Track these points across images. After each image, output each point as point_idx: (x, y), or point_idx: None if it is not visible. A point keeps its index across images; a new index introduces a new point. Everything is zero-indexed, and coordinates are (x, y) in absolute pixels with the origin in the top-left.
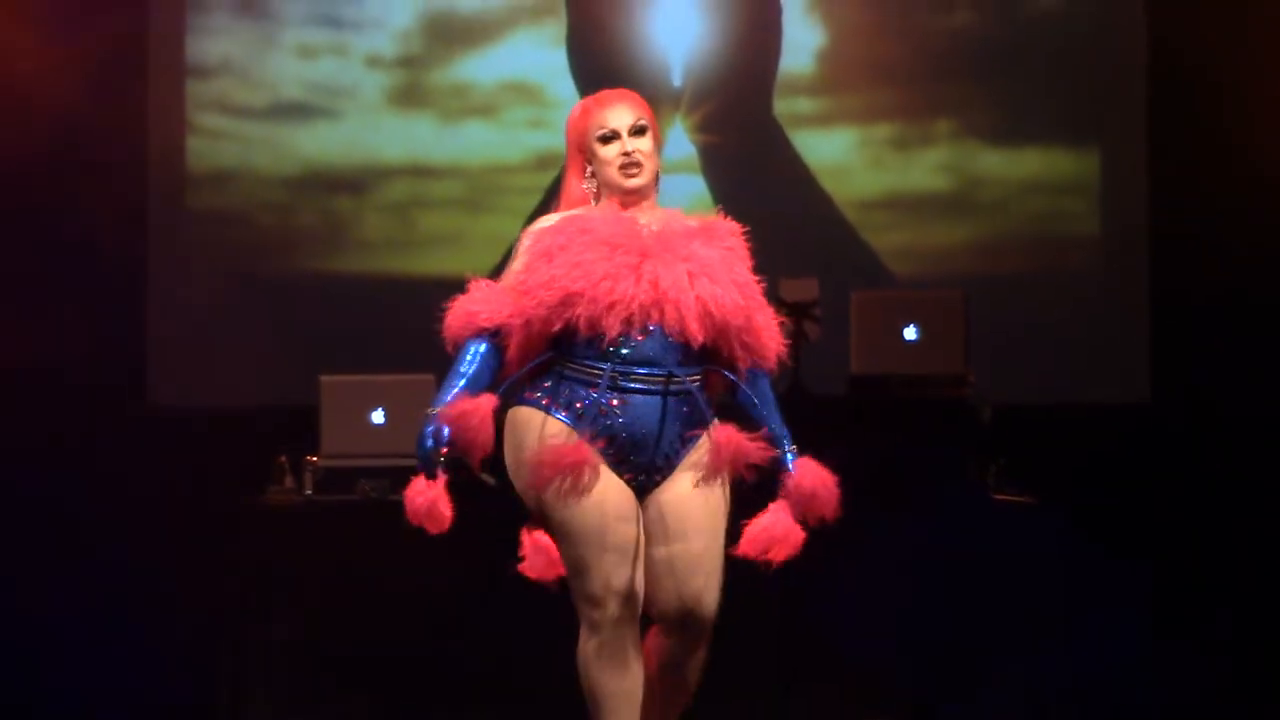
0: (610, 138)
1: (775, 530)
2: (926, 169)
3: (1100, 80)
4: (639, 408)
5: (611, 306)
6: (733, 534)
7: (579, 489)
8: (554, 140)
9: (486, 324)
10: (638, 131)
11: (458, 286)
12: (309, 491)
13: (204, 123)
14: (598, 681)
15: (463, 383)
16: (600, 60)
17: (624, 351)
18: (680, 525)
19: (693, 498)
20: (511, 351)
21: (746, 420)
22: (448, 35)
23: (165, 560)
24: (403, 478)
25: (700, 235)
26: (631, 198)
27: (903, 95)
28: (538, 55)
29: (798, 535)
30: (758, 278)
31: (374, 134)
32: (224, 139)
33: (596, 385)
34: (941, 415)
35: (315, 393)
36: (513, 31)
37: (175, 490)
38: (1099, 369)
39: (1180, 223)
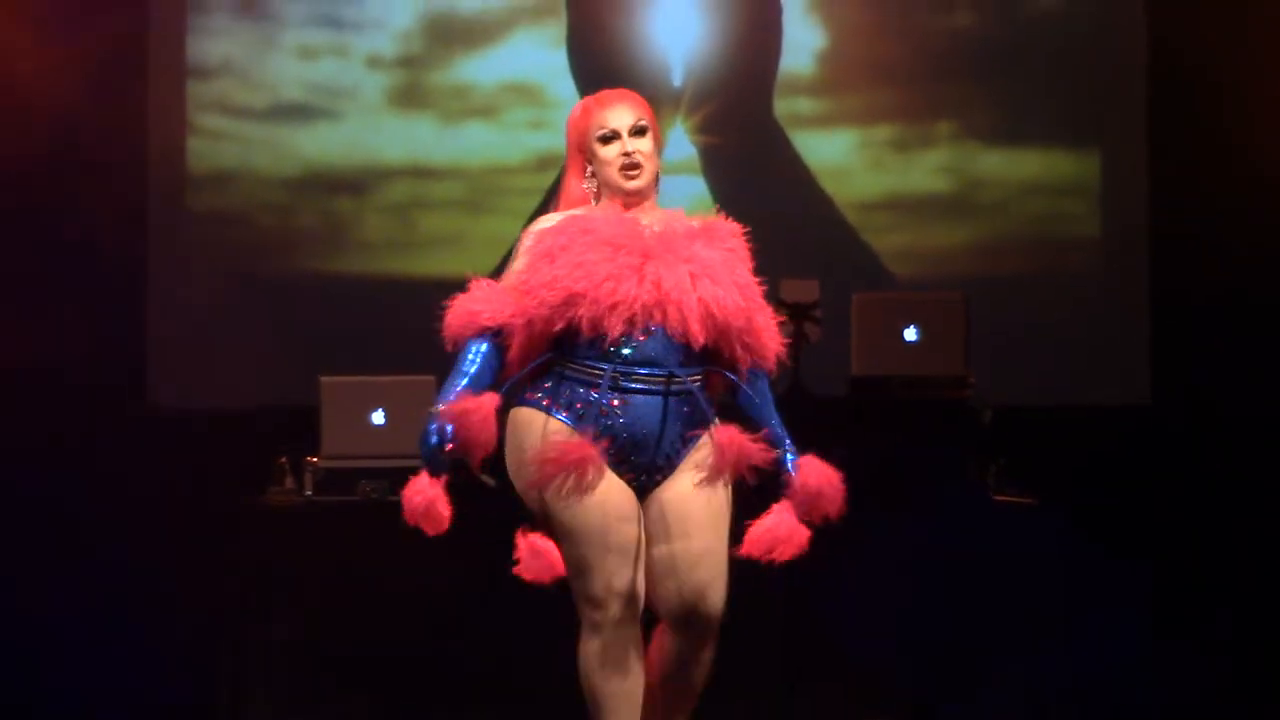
0: (610, 138)
1: (779, 530)
2: (927, 170)
3: (1100, 81)
4: (640, 408)
5: (614, 307)
6: (736, 535)
7: (583, 486)
8: (554, 141)
9: (489, 323)
10: (638, 132)
11: (458, 287)
12: (309, 492)
13: (204, 123)
14: (598, 683)
15: (465, 381)
16: (600, 61)
17: (625, 352)
18: (682, 523)
19: (695, 496)
20: (513, 351)
21: (746, 420)
22: (448, 36)
23: (165, 560)
24: (403, 479)
25: (702, 236)
26: (632, 199)
27: (903, 96)
28: (538, 56)
29: (802, 535)
30: (758, 279)
31: (374, 135)
32: (224, 140)
33: (597, 386)
34: (942, 416)
35: (315, 393)
36: (513, 32)
37: (175, 491)
38: (1099, 370)
39: (1180, 223)
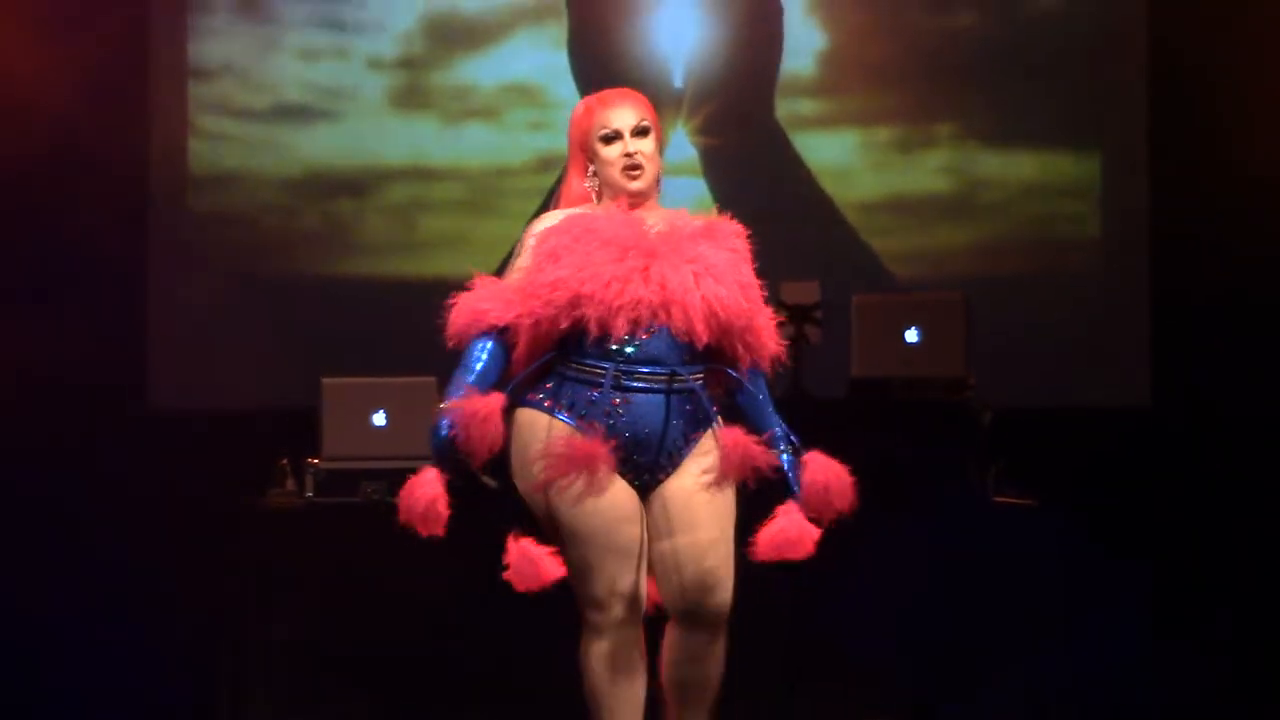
0: (613, 138)
1: (790, 532)
2: (927, 171)
3: (1100, 82)
4: (642, 406)
5: (621, 308)
6: (742, 539)
7: (593, 486)
8: (556, 142)
9: (497, 322)
10: (640, 132)
11: (459, 288)
12: (310, 494)
13: (205, 124)
14: (600, 685)
15: (473, 379)
16: (601, 62)
17: (628, 351)
18: (687, 516)
19: (698, 492)
20: (518, 350)
21: (746, 420)
22: (449, 38)
23: (165, 560)
24: (404, 481)
25: (705, 236)
26: (635, 199)
27: (904, 97)
28: (539, 57)
29: (812, 534)
30: (760, 280)
31: (375, 136)
32: (225, 141)
33: (599, 385)
34: (942, 417)
35: (316, 394)
36: (514, 34)
37: (176, 491)
38: (1100, 371)
39: (1180, 223)
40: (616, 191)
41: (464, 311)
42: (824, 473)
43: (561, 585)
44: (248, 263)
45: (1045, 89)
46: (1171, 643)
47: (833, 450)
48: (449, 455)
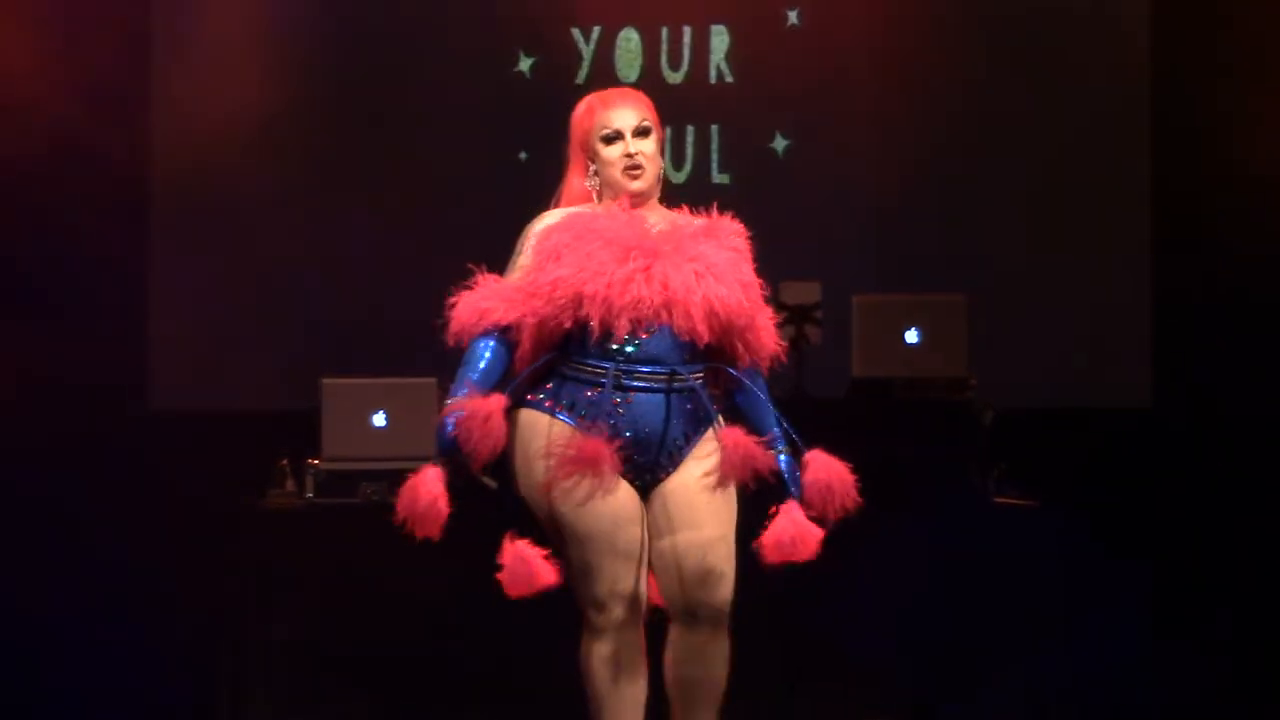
0: (614, 138)
1: (791, 531)
2: (927, 171)
3: (1101, 81)
4: (642, 405)
5: (623, 308)
6: (741, 538)
7: (599, 486)
8: None
9: (501, 321)
10: (641, 133)
11: (463, 288)
12: (310, 494)
13: (206, 125)
14: (600, 686)
15: (478, 378)
16: None
17: (628, 350)
18: (686, 515)
19: (699, 489)
20: (522, 349)
21: (746, 420)
22: None
23: (165, 560)
24: (404, 481)
25: (706, 235)
26: (635, 199)
27: (904, 98)
28: None
29: (815, 534)
30: (760, 280)
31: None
32: (226, 140)
33: (600, 385)
34: (943, 418)
35: (317, 395)
36: None
37: (176, 491)
38: (1101, 372)
39: (1180, 224)
40: (617, 191)
41: (467, 310)
42: (826, 471)
43: (558, 588)
44: (248, 263)
45: (1046, 89)
46: (1171, 643)
47: (834, 450)
48: (452, 456)
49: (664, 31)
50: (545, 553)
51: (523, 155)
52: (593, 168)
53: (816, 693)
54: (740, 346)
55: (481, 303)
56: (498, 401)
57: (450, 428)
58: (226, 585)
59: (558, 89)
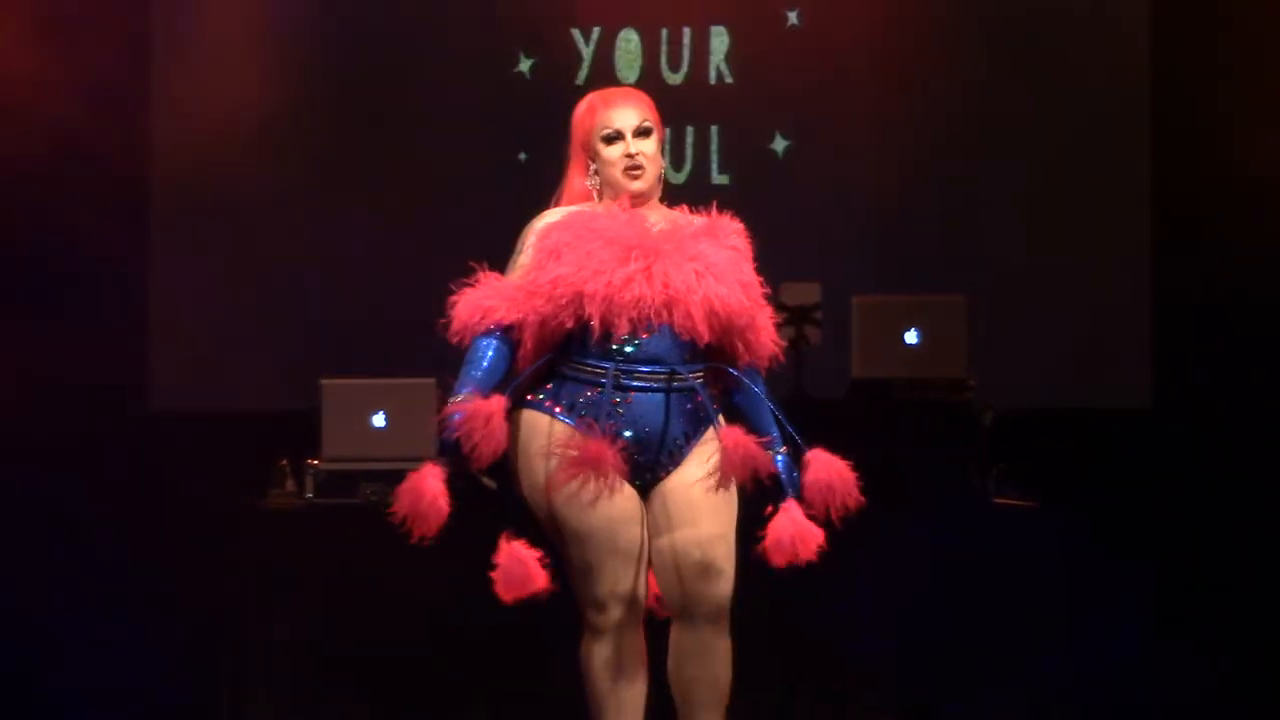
0: (614, 138)
1: (791, 530)
2: (927, 172)
3: (1100, 82)
4: (642, 405)
5: (623, 307)
6: (742, 539)
7: (603, 487)
8: None
9: (504, 320)
10: (642, 133)
11: (465, 286)
12: (310, 495)
13: (206, 124)
14: (600, 686)
15: (482, 375)
16: None
17: (628, 350)
18: (686, 513)
19: (699, 487)
20: (525, 348)
21: (745, 419)
22: None
23: (165, 560)
24: (403, 480)
25: (707, 234)
26: (636, 199)
27: (904, 99)
28: None
29: (815, 533)
30: (760, 279)
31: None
32: (226, 140)
33: (600, 385)
34: (943, 419)
35: (316, 395)
36: None
37: (176, 492)
38: (1100, 372)
39: (1180, 224)
40: (618, 191)
41: (469, 308)
42: (827, 471)
43: (550, 592)
44: (248, 263)
45: (1045, 90)
46: (1172, 643)
47: (833, 452)
48: (453, 456)
49: (664, 32)
50: (540, 554)
51: (522, 156)
52: (593, 167)
53: (816, 693)
54: (740, 346)
55: (484, 301)
56: (498, 402)
57: (451, 429)
58: (226, 585)
59: (557, 90)
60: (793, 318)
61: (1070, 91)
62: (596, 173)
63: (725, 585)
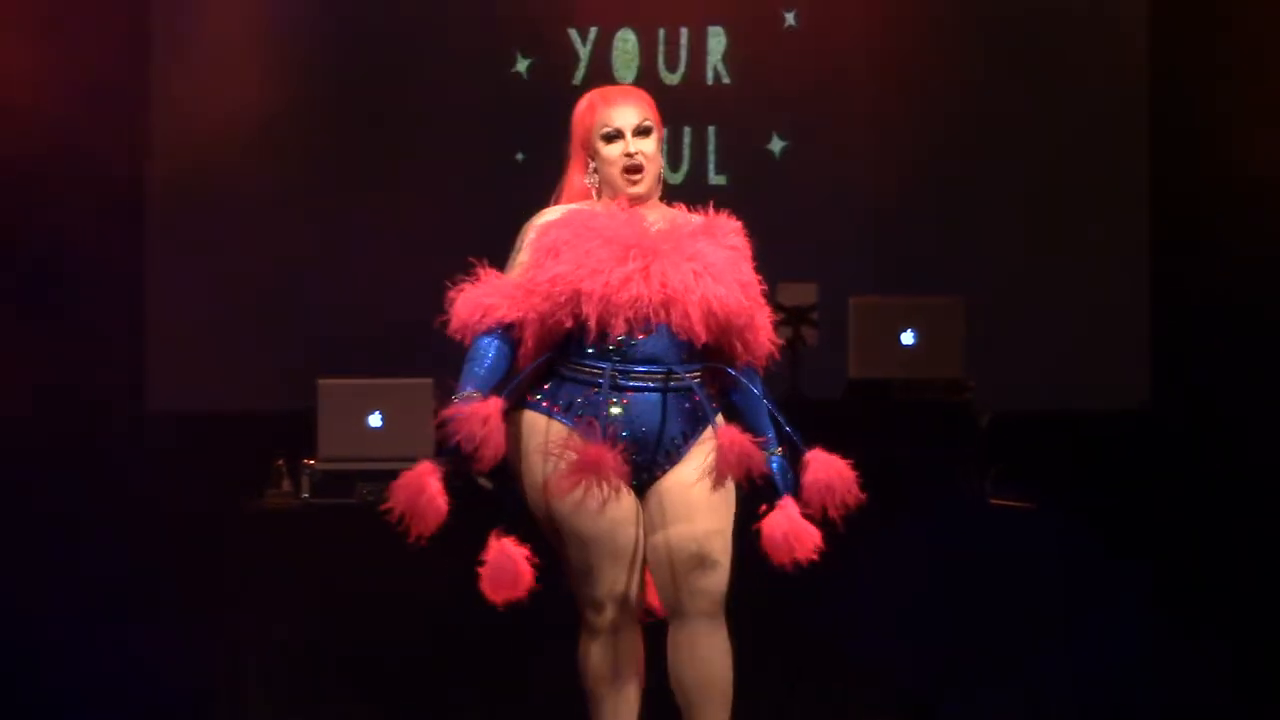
0: (614, 136)
1: (785, 528)
2: (926, 172)
3: (1099, 83)
4: (639, 405)
5: (621, 306)
6: (740, 536)
7: (607, 493)
8: None
9: (505, 318)
10: (642, 132)
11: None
12: (306, 494)
13: (204, 125)
14: (598, 686)
15: (484, 372)
16: None
17: (626, 350)
18: (682, 510)
19: (695, 485)
20: (526, 347)
21: (743, 418)
22: None
23: (165, 561)
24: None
25: (705, 233)
26: (635, 200)
27: (902, 99)
28: None
29: (812, 532)
30: (759, 278)
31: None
32: (225, 140)
33: (597, 385)
34: (941, 420)
35: (313, 396)
36: None
37: (174, 492)
38: (1099, 373)
39: (1180, 224)
40: (616, 191)
41: (470, 305)
42: (826, 471)
43: (537, 593)
44: (246, 263)
45: (1045, 91)
46: (1171, 643)
47: (831, 453)
48: (452, 457)
49: (661, 32)
50: (529, 552)
51: (520, 156)
52: (592, 165)
53: (816, 693)
54: (739, 346)
55: (484, 299)
56: (495, 404)
57: (451, 430)
58: (223, 585)
59: (555, 90)
60: (790, 318)
61: (1068, 92)
62: (595, 171)
63: (720, 579)
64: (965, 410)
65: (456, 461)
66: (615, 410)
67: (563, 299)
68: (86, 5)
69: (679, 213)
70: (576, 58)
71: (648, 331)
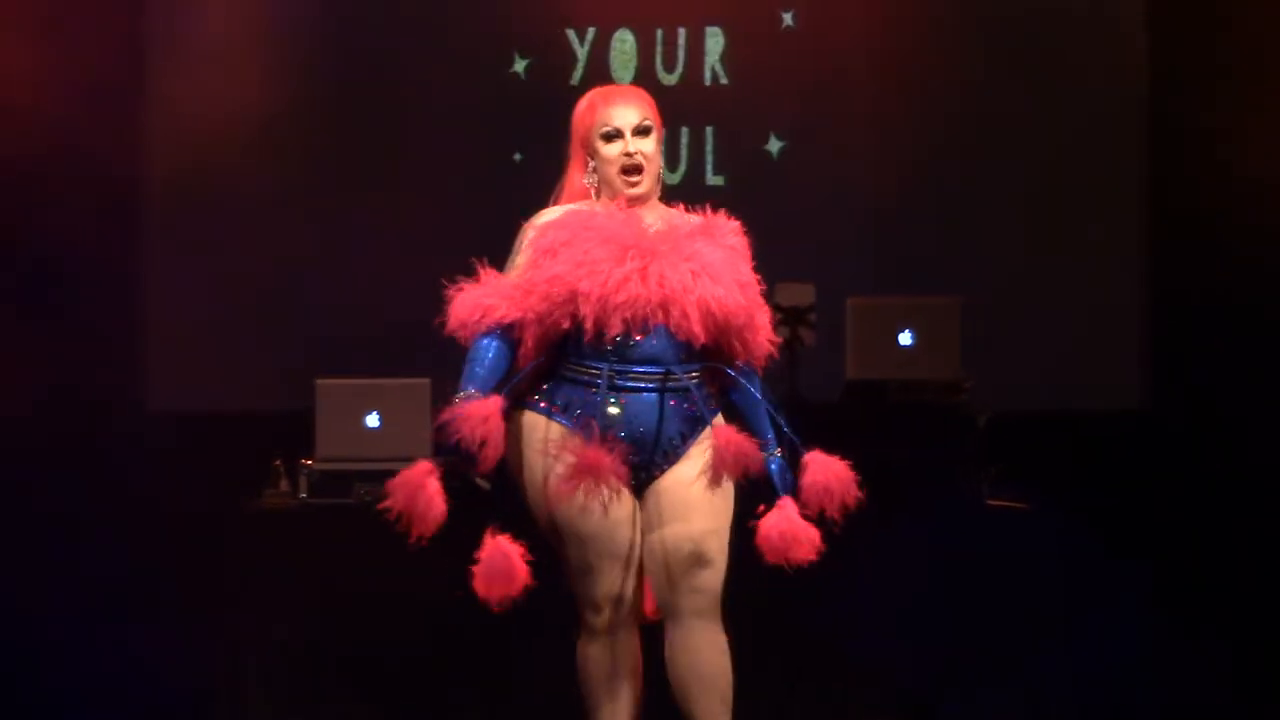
0: (614, 136)
1: (782, 528)
2: (925, 172)
3: (1098, 83)
4: (636, 405)
5: (618, 307)
6: (738, 536)
7: (607, 496)
8: None
9: (505, 318)
10: (641, 132)
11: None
12: (304, 495)
13: (204, 124)
14: (596, 686)
15: (485, 372)
16: None
17: (624, 350)
18: (679, 509)
19: (693, 484)
20: (525, 347)
21: (742, 418)
22: None
23: (165, 561)
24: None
25: (703, 234)
26: (634, 201)
27: (900, 99)
28: None
29: (811, 533)
30: (757, 278)
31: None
32: (223, 140)
33: (595, 386)
34: (939, 420)
35: (311, 396)
36: None
37: (174, 492)
38: (1098, 373)
39: (1180, 224)
40: (615, 192)
41: (469, 305)
42: (824, 472)
43: (531, 593)
44: (245, 263)
45: (1044, 91)
46: (1171, 643)
47: (829, 453)
48: (452, 457)
49: (659, 33)
50: (523, 550)
51: (517, 156)
52: (592, 164)
53: (816, 693)
54: (737, 345)
55: (484, 299)
56: (496, 402)
57: (452, 429)
58: (222, 585)
59: (553, 90)
60: (787, 319)
61: (1068, 92)
62: (595, 170)
63: (715, 577)
64: (963, 410)
65: (456, 461)
66: (613, 410)
67: (560, 299)
68: (85, 5)
69: (677, 213)
70: (574, 58)
71: (645, 332)
